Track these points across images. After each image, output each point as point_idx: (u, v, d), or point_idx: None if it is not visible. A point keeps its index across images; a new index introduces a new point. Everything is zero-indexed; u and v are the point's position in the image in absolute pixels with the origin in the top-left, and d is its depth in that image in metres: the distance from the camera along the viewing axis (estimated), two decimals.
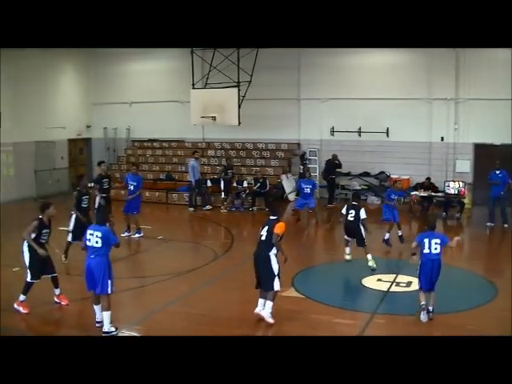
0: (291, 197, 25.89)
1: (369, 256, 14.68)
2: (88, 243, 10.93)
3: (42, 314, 12.15)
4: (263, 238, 11.42)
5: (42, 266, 12.19)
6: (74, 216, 15.74)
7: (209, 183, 25.06)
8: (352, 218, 14.88)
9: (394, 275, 14.20)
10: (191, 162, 24.62)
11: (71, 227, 15.75)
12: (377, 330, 11.05)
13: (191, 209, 23.86)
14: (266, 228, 11.50)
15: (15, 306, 12.19)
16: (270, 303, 11.25)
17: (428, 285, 11.28)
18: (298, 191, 22.24)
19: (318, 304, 12.33)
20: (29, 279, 12.17)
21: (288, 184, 26.30)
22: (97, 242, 10.85)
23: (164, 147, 30.36)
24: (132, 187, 19.33)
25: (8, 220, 20.81)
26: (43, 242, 12.18)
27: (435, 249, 11.18)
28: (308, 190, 21.24)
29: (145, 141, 31.13)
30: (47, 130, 28.51)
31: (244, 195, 24.43)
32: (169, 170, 28.21)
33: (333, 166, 25.21)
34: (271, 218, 11.78)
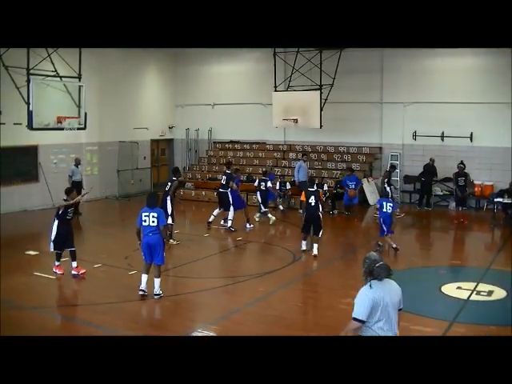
0: (372, 200, 25.71)
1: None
2: (144, 223, 12.70)
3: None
4: (313, 203, 16.62)
5: (63, 240, 14.49)
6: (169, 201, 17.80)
7: (288, 186, 25.00)
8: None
9: (475, 283, 13.90)
10: (299, 162, 24.84)
11: (170, 210, 17.63)
12: None
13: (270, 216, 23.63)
14: (313, 197, 16.65)
15: (54, 270, 14.69)
16: (316, 245, 16.60)
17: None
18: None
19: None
20: (52, 249, 14.58)
21: (369, 188, 26.09)
22: (153, 222, 12.65)
23: (245, 149, 30.53)
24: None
25: (91, 217, 21.29)
26: (69, 218, 14.67)
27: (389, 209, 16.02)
28: (353, 186, 23.36)
29: (226, 142, 31.37)
30: (131, 131, 29.15)
31: (324, 198, 24.33)
32: (250, 172, 28.34)
33: (430, 169, 24.80)
34: (311, 189, 16.94)
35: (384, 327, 6.70)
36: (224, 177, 20.60)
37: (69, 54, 19.76)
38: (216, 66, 31.02)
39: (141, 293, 12.90)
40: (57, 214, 14.58)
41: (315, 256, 16.59)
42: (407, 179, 25.94)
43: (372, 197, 25.99)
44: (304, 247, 17.16)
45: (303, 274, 15.08)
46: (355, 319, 6.71)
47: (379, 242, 17.40)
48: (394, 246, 16.95)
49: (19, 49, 16.92)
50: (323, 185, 24.36)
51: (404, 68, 25.81)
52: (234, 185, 20.32)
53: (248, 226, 20.64)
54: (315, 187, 17.58)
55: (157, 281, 12.85)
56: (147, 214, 12.71)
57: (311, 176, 22.97)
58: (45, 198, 24.51)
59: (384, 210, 16.84)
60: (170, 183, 18.30)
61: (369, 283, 6.74)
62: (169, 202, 17.77)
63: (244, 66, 30.45)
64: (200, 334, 11.00)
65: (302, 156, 25.84)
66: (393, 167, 24.53)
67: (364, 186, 25.86)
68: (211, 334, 11.09)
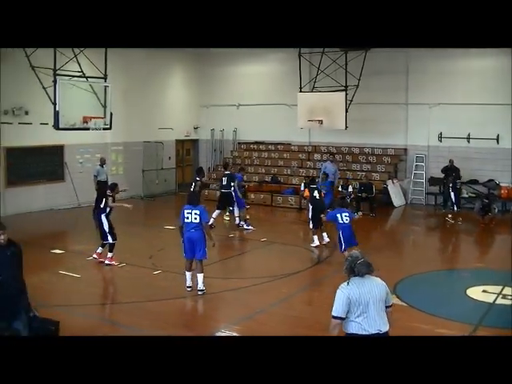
0: (397, 202, 25.62)
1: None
2: (187, 220, 13.08)
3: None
4: (317, 197, 18.43)
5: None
6: None
7: (350, 189, 24.45)
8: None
9: (501, 287, 13.76)
10: (325, 163, 24.86)
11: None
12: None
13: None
14: (316, 191, 18.47)
15: (107, 262, 15.57)
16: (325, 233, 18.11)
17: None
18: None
19: (421, 313, 12.09)
20: (111, 241, 15.62)
21: (394, 190, 25.99)
22: (195, 219, 13.05)
23: (270, 150, 30.48)
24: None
25: (116, 216, 21.36)
26: (109, 212, 15.78)
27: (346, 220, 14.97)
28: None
29: (251, 143, 31.40)
30: (156, 131, 29.26)
31: (349, 200, 24.24)
32: (274, 173, 28.34)
33: (451, 171, 24.60)
34: (312, 186, 18.72)
35: (363, 323, 6.75)
36: (224, 178, 20.77)
37: (95, 54, 19.87)
38: (241, 66, 31.06)
39: (189, 289, 13.36)
40: (103, 209, 15.68)
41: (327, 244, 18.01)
42: (432, 181, 25.75)
43: (396, 198, 25.88)
44: (318, 242, 18.10)
45: (326, 276, 15.03)
46: (333, 317, 6.81)
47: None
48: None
49: (46, 50, 17.04)
50: (348, 186, 24.30)
51: (430, 69, 25.62)
52: (236, 183, 20.88)
53: (246, 226, 20.74)
54: (316, 185, 19.16)
55: (200, 276, 13.20)
56: (189, 211, 13.11)
57: (311, 175, 22.98)
58: (70, 198, 24.69)
59: (340, 221, 15.12)
60: (193, 184, 18.43)
61: (347, 281, 6.85)
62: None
63: (269, 66, 30.46)
64: (223, 334, 11.02)
65: (329, 156, 25.79)
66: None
67: (389, 188, 25.75)
68: (234, 334, 11.10)
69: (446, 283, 14.71)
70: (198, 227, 13.12)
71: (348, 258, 6.96)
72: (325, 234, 18.13)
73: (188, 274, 13.40)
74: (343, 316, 6.74)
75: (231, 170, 21.39)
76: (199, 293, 13.13)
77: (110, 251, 15.66)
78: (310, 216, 18.69)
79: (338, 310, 6.75)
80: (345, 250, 14.74)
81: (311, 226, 18.50)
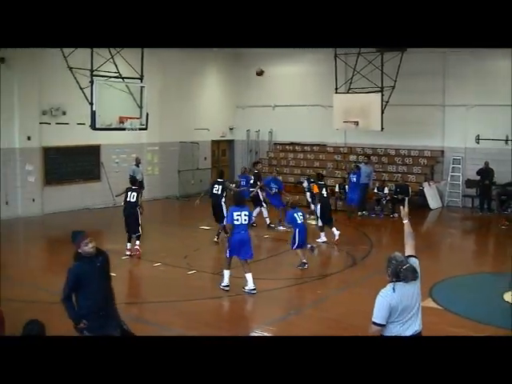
0: (433, 205, 25.43)
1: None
2: (236, 222, 13.16)
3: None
4: (325, 194, 18.53)
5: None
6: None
7: (386, 190, 24.25)
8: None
9: None
10: (361, 165, 24.70)
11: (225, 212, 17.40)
12: None
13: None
14: (324, 189, 18.58)
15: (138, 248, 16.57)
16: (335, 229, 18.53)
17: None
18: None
19: (456, 316, 11.97)
20: (140, 232, 16.72)
21: (430, 192, 25.78)
22: (245, 220, 13.24)
23: (305, 151, 30.41)
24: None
25: (152, 217, 21.51)
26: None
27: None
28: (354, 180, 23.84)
29: (287, 144, 31.35)
30: (191, 131, 29.38)
31: (385, 202, 24.12)
32: (310, 174, 28.24)
33: (486, 173, 24.36)
34: (321, 183, 18.88)
35: (402, 327, 6.69)
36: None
37: (131, 55, 20.00)
38: (277, 67, 30.99)
39: (227, 288, 13.41)
40: (137, 203, 16.71)
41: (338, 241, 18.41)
42: (469, 183, 25.46)
43: (433, 201, 25.69)
44: (325, 238, 18.68)
45: (362, 278, 14.93)
46: (374, 323, 6.68)
47: (313, 245, 17.06)
48: (304, 260, 15.70)
49: (83, 51, 17.19)
50: (384, 188, 24.14)
51: (467, 70, 25.32)
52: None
53: (278, 227, 20.98)
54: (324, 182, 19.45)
55: (249, 276, 13.26)
56: (239, 212, 13.23)
57: (319, 172, 22.71)
58: (106, 197, 24.89)
59: (298, 221, 15.52)
60: (217, 186, 18.29)
61: (391, 286, 6.69)
62: (223, 205, 18.07)
63: (305, 67, 30.39)
64: (256, 335, 11.02)
65: (363, 158, 25.66)
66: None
67: (425, 190, 25.56)
68: (267, 334, 11.09)
69: (483, 287, 14.54)
70: (247, 228, 13.43)
71: (392, 261, 6.82)
72: (334, 229, 18.64)
73: (227, 273, 13.43)
74: (384, 323, 6.64)
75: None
76: (253, 292, 13.22)
77: (138, 240, 16.68)
78: (318, 214, 18.59)
79: (379, 316, 6.62)
80: (296, 248, 15.59)
81: (320, 223, 18.61)
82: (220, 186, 18.49)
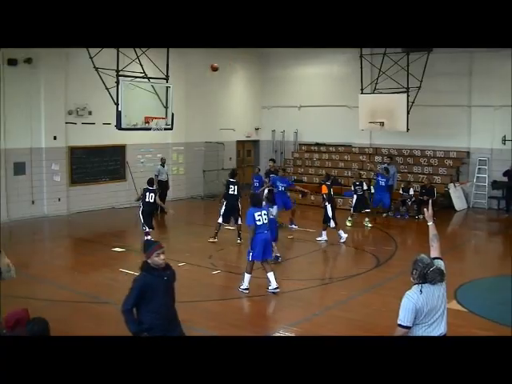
0: (459, 206, 25.27)
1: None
2: (258, 223, 13.18)
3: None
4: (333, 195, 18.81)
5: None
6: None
7: (411, 191, 24.11)
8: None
9: None
10: (385, 165, 24.58)
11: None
12: None
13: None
14: (332, 190, 18.79)
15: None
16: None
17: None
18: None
19: (481, 319, 11.88)
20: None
21: (456, 193, 25.62)
22: (265, 219, 13.33)
23: (331, 151, 30.37)
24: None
25: (176, 216, 21.60)
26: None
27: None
28: (382, 184, 23.33)
29: (312, 144, 31.31)
30: (217, 132, 29.49)
31: (410, 203, 23.99)
32: (335, 175, 28.18)
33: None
34: (328, 183, 18.76)
35: (428, 329, 6.64)
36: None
37: (156, 55, 20.05)
38: (302, 67, 31.04)
39: (246, 291, 13.33)
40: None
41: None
42: (495, 185, 25.27)
43: (458, 202, 25.53)
44: (326, 237, 18.80)
45: (386, 279, 14.87)
46: (400, 326, 6.63)
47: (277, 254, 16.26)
48: (278, 254, 16.01)
49: (109, 51, 17.25)
50: (409, 189, 23.99)
51: (494, 70, 25.08)
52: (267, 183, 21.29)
53: (290, 225, 21.00)
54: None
55: (271, 275, 13.28)
56: (259, 213, 13.29)
57: (327, 172, 22.64)
58: (131, 196, 24.96)
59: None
60: (232, 186, 18.33)
61: (418, 288, 6.62)
62: (240, 205, 18.44)
63: (330, 67, 30.35)
64: (280, 335, 11.01)
65: (386, 159, 25.53)
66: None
67: (450, 191, 25.42)
68: (291, 334, 11.07)
69: (508, 289, 14.40)
70: (267, 228, 13.44)
71: (418, 263, 6.76)
72: (342, 232, 18.85)
73: (248, 276, 13.34)
74: (410, 325, 6.59)
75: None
76: (277, 290, 13.27)
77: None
78: (330, 215, 18.60)
79: (405, 319, 6.57)
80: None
81: (332, 224, 18.61)
82: (235, 186, 18.67)
